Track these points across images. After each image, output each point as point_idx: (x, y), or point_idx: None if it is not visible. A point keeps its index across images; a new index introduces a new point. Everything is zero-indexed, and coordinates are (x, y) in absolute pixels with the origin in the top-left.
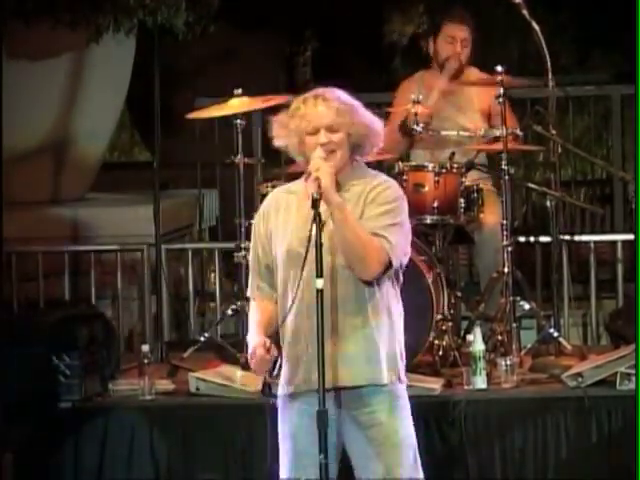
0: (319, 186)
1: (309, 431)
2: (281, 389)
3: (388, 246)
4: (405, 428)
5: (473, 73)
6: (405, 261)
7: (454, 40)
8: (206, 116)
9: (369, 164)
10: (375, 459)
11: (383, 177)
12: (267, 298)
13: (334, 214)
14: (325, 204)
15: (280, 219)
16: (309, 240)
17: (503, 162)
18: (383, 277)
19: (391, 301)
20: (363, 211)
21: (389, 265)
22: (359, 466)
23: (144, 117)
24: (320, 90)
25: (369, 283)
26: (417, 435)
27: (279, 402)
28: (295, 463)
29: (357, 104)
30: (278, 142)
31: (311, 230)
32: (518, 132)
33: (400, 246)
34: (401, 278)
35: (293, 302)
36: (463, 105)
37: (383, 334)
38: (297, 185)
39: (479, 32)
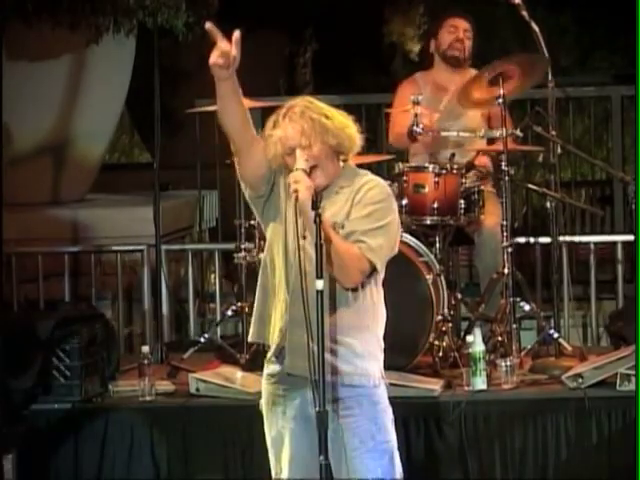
0: (296, 199)
1: (294, 434)
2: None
3: (370, 253)
4: (380, 433)
5: (471, 74)
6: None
7: (456, 29)
8: (206, 109)
9: (369, 164)
10: (344, 461)
11: (371, 177)
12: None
13: (310, 227)
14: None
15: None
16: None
17: (503, 163)
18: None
19: (374, 301)
20: (350, 212)
21: (373, 269)
22: (332, 465)
23: (144, 118)
24: (290, 106)
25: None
26: (418, 436)
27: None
28: (282, 466)
29: (324, 116)
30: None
31: (286, 230)
32: (518, 133)
33: (384, 248)
34: (382, 276)
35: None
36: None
37: (360, 333)
38: None
39: (479, 33)
